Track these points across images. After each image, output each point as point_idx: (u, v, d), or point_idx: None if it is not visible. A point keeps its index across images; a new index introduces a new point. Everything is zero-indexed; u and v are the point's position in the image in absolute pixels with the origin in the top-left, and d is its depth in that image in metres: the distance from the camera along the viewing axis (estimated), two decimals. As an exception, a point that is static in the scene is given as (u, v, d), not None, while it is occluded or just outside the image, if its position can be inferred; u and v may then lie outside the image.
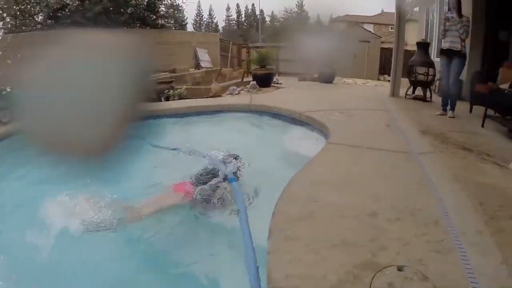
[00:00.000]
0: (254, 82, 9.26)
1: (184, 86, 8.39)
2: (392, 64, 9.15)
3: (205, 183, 3.61)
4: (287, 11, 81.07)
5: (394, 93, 8.85)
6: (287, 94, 8.76)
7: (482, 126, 5.90)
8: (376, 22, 54.22)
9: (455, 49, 6.64)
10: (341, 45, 17.21)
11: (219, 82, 9.95)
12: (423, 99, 8.23)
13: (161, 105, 7.40)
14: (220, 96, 8.16)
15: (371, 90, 10.57)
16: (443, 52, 6.87)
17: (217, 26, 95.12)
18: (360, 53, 17.11)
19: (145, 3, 14.67)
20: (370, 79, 16.43)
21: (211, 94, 8.19)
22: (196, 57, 16.74)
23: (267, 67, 10.29)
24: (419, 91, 8.55)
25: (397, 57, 8.76)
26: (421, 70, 8.25)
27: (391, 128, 5.43)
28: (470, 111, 7.13)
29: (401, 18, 8.84)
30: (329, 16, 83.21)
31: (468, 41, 9.15)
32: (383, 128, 5.42)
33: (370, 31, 18.93)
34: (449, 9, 6.80)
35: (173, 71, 13.56)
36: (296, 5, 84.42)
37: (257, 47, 22.28)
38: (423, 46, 8.36)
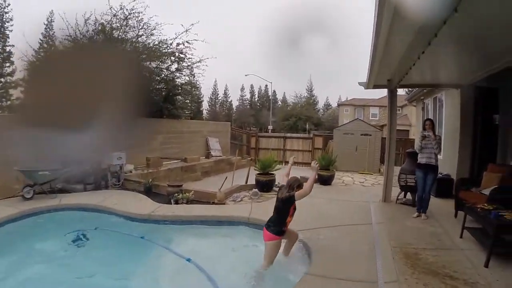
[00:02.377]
0: (256, 190, 9.80)
1: (192, 191, 9.03)
2: (384, 174, 10.04)
3: None
4: (297, 96, 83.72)
5: (385, 199, 9.62)
6: None
7: (461, 237, 6.43)
8: (381, 105, 56.14)
9: (431, 164, 7.80)
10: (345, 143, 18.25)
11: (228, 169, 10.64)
12: (412, 204, 8.92)
13: (169, 210, 8.07)
14: (223, 203, 8.70)
15: (366, 194, 10.95)
16: (420, 166, 7.97)
17: (231, 105, 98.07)
18: (362, 146, 17.87)
19: (163, 95, 15.52)
20: (371, 171, 17.26)
21: (216, 201, 8.76)
22: (207, 145, 17.52)
23: (269, 173, 10.87)
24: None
25: (388, 168, 9.68)
26: (410, 178, 9.01)
27: (368, 251, 5.80)
28: (455, 215, 7.86)
29: (391, 130, 9.81)
30: (337, 99, 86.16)
31: (456, 149, 10.17)
32: (361, 251, 5.81)
33: (371, 125, 19.63)
34: (425, 129, 7.90)
35: (185, 160, 14.38)
36: (306, 89, 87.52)
37: (266, 136, 23.40)
38: (413, 155, 8.96)
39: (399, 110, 49.95)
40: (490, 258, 5.22)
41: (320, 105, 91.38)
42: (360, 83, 10.36)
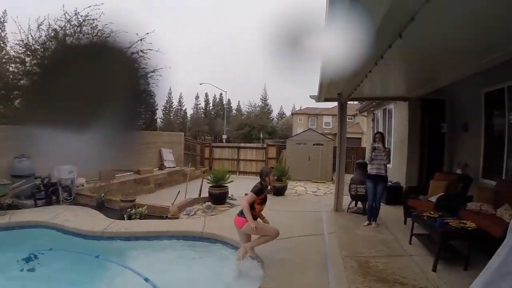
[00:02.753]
0: (209, 203, 9.74)
1: (146, 206, 8.85)
2: (334, 186, 10.31)
3: None
4: (251, 105, 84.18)
5: (337, 208, 9.84)
6: None
7: (410, 243, 6.69)
8: (334, 114, 56.77)
9: (380, 174, 8.07)
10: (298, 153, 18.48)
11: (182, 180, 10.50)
12: (363, 213, 9.20)
13: (123, 226, 7.85)
14: (177, 218, 8.58)
15: (318, 204, 11.13)
16: (370, 177, 8.23)
17: (186, 113, 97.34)
18: (314, 155, 18.16)
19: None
20: (324, 180, 17.57)
21: (169, 215, 8.62)
22: (160, 156, 17.22)
23: (222, 185, 10.83)
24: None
25: (339, 179, 9.93)
26: (360, 187, 9.31)
27: (320, 261, 5.89)
28: (405, 222, 8.19)
29: (341, 141, 10.12)
30: (291, 108, 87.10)
31: (404, 158, 10.57)
32: (313, 262, 5.88)
33: (323, 135, 19.99)
34: (375, 141, 8.19)
35: (138, 172, 13.99)
36: (260, 98, 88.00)
37: (220, 146, 23.34)
38: (363, 166, 9.25)
39: (351, 119, 51.22)
40: (437, 262, 5.45)
41: (274, 114, 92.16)
42: (311, 96, 10.65)
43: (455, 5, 3.74)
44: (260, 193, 5.77)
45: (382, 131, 12.00)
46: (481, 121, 8.23)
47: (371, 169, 8.31)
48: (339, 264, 5.75)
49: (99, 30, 14.12)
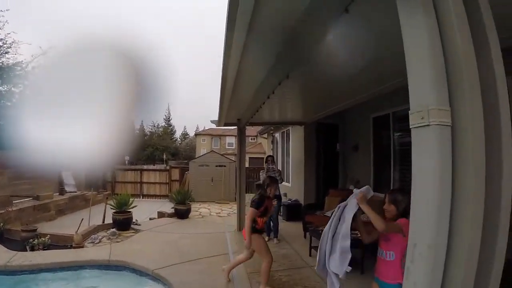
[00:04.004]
0: (114, 229, 9.60)
1: (48, 235, 8.49)
2: (236, 206, 10.75)
3: None
4: (154, 125, 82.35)
5: (240, 228, 10.14)
6: (144, 241, 9.07)
7: (310, 255, 7.27)
8: (236, 135, 57.93)
9: (275, 194, 8.69)
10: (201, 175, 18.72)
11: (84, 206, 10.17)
12: (265, 231, 9.64)
13: (27, 258, 7.40)
14: (82, 246, 8.33)
15: (222, 225, 11.45)
16: None
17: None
18: (217, 176, 18.57)
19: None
20: (227, 200, 17.99)
21: (74, 244, 8.32)
22: (60, 180, 16.26)
23: (126, 210, 10.72)
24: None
25: (240, 199, 10.37)
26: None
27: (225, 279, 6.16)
28: (304, 236, 8.77)
29: (241, 164, 10.61)
30: (195, 129, 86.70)
31: (302, 177, 11.29)
32: (221, 282, 6.09)
33: (225, 156, 20.43)
34: (266, 162, 8.93)
35: (37, 198, 13.09)
36: (164, 118, 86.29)
37: (122, 169, 22.73)
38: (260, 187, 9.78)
39: (254, 139, 52.39)
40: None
41: (178, 134, 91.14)
42: (212, 121, 11.09)
43: (346, 44, 4.16)
44: (259, 205, 5.65)
45: (273, 154, 13.14)
46: (370, 142, 9.14)
47: None
48: (244, 281, 6.09)
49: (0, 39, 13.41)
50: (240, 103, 7.57)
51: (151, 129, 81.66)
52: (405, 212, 3.22)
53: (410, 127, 1.64)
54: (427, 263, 1.53)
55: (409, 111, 1.64)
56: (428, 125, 1.54)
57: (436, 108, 1.53)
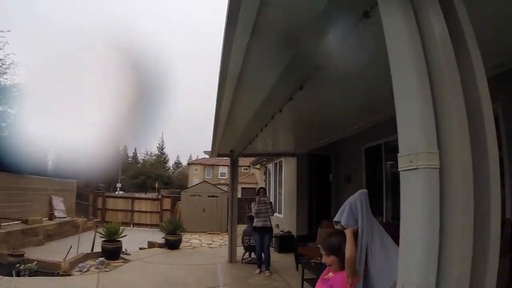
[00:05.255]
0: (103, 258, 9.47)
1: (35, 261, 8.37)
2: (228, 238, 10.68)
3: None
4: (147, 153, 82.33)
5: (231, 259, 10.18)
6: (133, 271, 8.98)
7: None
8: (229, 165, 57.96)
9: (266, 226, 8.73)
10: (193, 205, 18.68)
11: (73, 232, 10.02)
12: (256, 263, 9.30)
13: (12, 284, 7.19)
14: (69, 274, 8.18)
15: (213, 256, 11.33)
16: (256, 229, 8.81)
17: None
18: (209, 207, 18.54)
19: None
20: (219, 231, 17.83)
21: (61, 272, 8.18)
22: (50, 205, 16.21)
23: (116, 240, 10.58)
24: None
25: (232, 231, 10.33)
26: (252, 239, 9.62)
27: None
28: (296, 269, 8.66)
29: (233, 196, 10.66)
30: (188, 158, 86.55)
31: (294, 209, 11.28)
32: None
33: (218, 187, 20.41)
34: (258, 194, 8.94)
35: (26, 221, 12.94)
36: (157, 147, 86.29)
37: (113, 196, 22.63)
38: (253, 218, 9.46)
39: (246, 169, 52.41)
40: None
41: (171, 163, 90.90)
42: (205, 152, 11.22)
43: (338, 80, 4.33)
44: None
45: (265, 185, 13.28)
46: (362, 172, 9.15)
47: (257, 222, 8.90)
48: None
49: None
50: (234, 132, 7.64)
51: (144, 157, 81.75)
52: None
53: (399, 169, 1.67)
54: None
55: (398, 154, 1.68)
56: (416, 168, 1.58)
57: (424, 151, 1.57)
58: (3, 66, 13.76)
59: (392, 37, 1.82)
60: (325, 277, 2.83)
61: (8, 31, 13.83)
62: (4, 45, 13.53)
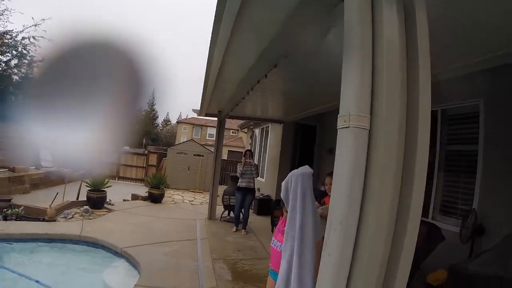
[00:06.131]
0: (87, 207, 9.74)
1: (22, 206, 8.60)
2: (208, 197, 11.07)
3: None
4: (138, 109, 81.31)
5: (211, 216, 10.61)
6: (116, 221, 9.29)
7: None
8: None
9: (250, 187, 9.10)
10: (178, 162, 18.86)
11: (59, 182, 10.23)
12: (234, 222, 9.70)
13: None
14: (54, 220, 8.46)
15: (193, 212, 11.68)
16: (240, 189, 9.17)
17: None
18: (194, 165, 18.83)
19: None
20: (202, 190, 18.24)
21: (46, 217, 8.45)
22: (38, 155, 16.29)
23: (101, 189, 10.85)
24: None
25: (213, 189, 10.69)
26: (233, 198, 10.00)
27: (193, 263, 6.48)
28: (272, 230, 8.91)
29: (217, 155, 10.99)
30: (177, 116, 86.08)
31: (276, 174, 11.60)
32: (187, 264, 6.42)
33: (204, 146, 20.57)
34: (244, 156, 9.22)
35: (13, 169, 12.92)
36: (147, 103, 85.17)
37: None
38: (235, 178, 9.98)
39: (235, 133, 52.56)
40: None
41: (160, 120, 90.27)
42: (194, 110, 11.37)
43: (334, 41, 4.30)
44: None
45: (251, 149, 13.50)
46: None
47: (241, 182, 9.26)
48: (209, 265, 6.41)
49: None
50: (222, 93, 7.86)
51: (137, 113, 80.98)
52: None
53: (337, 127, 1.97)
54: (339, 236, 1.85)
55: (338, 115, 1.97)
56: (348, 127, 1.87)
57: (356, 114, 1.86)
58: None
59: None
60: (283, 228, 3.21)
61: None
62: None
